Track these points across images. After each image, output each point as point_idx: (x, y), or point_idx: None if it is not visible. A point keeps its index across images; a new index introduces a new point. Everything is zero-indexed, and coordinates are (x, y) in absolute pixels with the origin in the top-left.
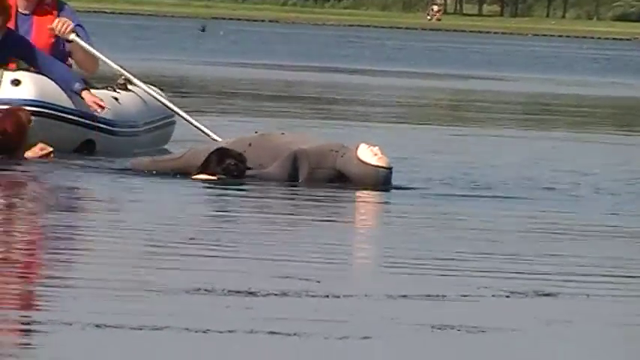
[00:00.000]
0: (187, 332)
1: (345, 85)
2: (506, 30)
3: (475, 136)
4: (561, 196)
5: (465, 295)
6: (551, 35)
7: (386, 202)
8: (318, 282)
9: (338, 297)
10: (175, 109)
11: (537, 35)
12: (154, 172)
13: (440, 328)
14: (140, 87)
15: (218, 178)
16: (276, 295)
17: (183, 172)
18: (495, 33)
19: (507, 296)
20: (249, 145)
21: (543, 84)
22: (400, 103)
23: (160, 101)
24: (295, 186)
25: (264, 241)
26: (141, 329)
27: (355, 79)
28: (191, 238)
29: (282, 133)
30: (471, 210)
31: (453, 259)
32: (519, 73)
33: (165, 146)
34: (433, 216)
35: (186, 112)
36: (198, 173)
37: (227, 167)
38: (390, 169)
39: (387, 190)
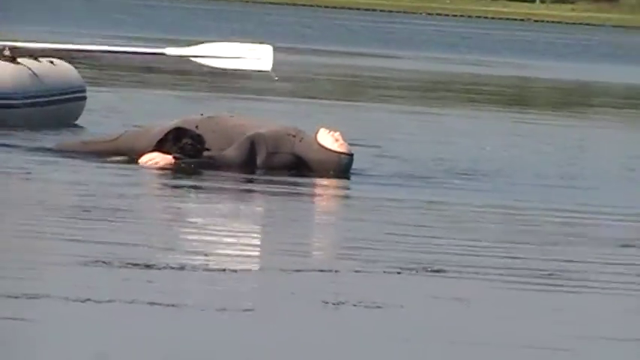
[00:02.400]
0: (83, 303)
1: None
2: (400, 9)
3: (371, 111)
4: (461, 179)
5: (357, 271)
6: (445, 15)
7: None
8: (218, 257)
9: (235, 271)
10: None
11: (431, 14)
12: (84, 152)
13: (331, 303)
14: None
15: (174, 158)
16: (173, 268)
17: (118, 154)
18: (390, 12)
19: (398, 272)
20: (196, 127)
21: (435, 63)
22: (293, 77)
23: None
24: (251, 172)
25: (170, 217)
26: (39, 298)
27: None
28: (88, 211)
29: (231, 116)
30: (373, 188)
31: (350, 238)
32: (412, 52)
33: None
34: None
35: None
36: (148, 153)
37: (183, 147)
38: (351, 155)
39: (347, 177)
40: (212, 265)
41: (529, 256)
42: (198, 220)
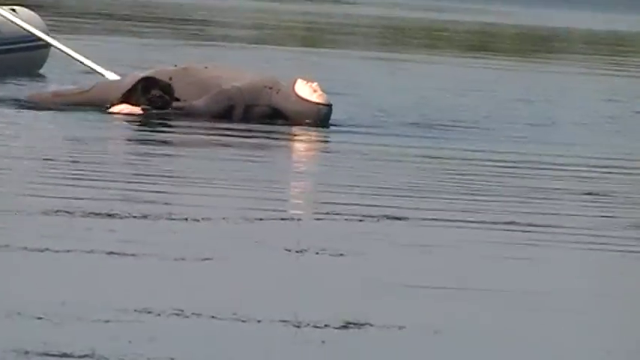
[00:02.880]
0: (42, 253)
1: (200, 6)
2: None
3: (335, 58)
4: (434, 129)
5: (319, 219)
6: None
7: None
8: (181, 207)
9: (197, 220)
10: (52, 42)
11: None
12: (55, 104)
13: (294, 251)
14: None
15: (142, 110)
16: (135, 217)
17: (90, 106)
18: None
19: (360, 220)
20: (170, 78)
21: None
22: (255, 25)
23: (24, 28)
24: (227, 123)
25: (135, 169)
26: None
27: (209, 2)
28: (51, 160)
29: (206, 67)
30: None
31: (317, 187)
32: None
33: (41, 71)
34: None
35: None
36: (118, 104)
37: (152, 98)
38: (329, 105)
39: (326, 127)
40: (174, 216)
41: (494, 207)
42: (163, 170)
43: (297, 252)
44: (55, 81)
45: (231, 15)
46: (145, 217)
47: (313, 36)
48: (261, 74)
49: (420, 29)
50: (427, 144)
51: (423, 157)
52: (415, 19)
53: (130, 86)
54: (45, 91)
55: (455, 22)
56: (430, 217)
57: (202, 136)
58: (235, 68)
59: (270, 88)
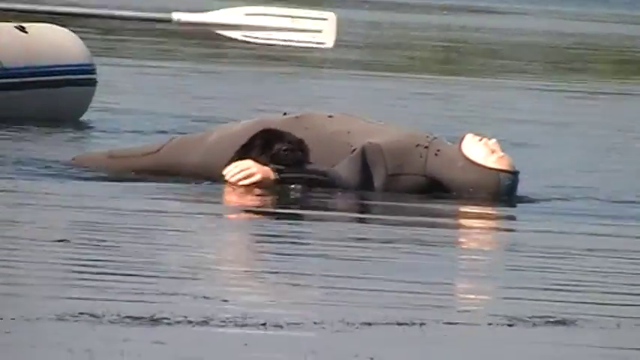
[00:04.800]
0: None
1: None
2: None
3: (488, 90)
4: None
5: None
6: None
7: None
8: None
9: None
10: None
11: None
12: (112, 170)
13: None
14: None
15: (273, 170)
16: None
17: (161, 173)
18: None
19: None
20: None
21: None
22: (367, 44)
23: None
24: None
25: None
26: None
27: None
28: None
29: (330, 116)
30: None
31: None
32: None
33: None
34: None
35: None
36: (231, 161)
37: (277, 154)
38: (515, 174)
39: (510, 204)
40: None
41: None
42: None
43: None
44: (109, 135)
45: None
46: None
47: (449, 58)
48: (409, 128)
49: (603, 48)
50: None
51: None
52: (596, 35)
53: (242, 141)
54: (97, 151)
55: None
56: None
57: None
58: (370, 120)
59: (426, 147)
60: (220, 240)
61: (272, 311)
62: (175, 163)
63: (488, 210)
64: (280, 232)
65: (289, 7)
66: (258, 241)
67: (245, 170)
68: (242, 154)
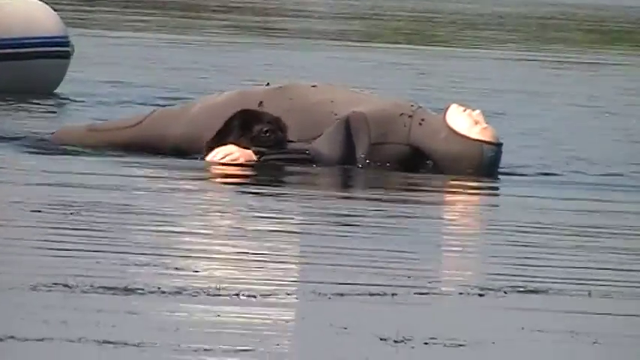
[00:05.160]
0: None
1: None
2: None
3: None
4: None
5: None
6: None
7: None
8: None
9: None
10: None
11: None
12: (92, 144)
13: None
14: None
15: (257, 155)
16: None
17: (142, 146)
18: None
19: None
20: (260, 103)
21: None
22: (341, 15)
23: None
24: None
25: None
26: None
27: None
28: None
29: (313, 86)
30: None
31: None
32: None
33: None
34: None
35: None
36: (210, 147)
37: (258, 136)
38: (499, 145)
39: (493, 176)
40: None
41: None
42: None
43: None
44: (83, 109)
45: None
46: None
47: (419, 29)
48: (393, 97)
49: (578, 19)
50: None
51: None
52: (572, 5)
53: (219, 123)
54: (76, 125)
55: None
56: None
57: (321, 202)
58: (354, 90)
59: (410, 116)
60: (196, 214)
61: (245, 283)
62: (157, 136)
63: (470, 183)
64: (257, 208)
65: None
66: (233, 216)
67: (228, 155)
68: (220, 136)
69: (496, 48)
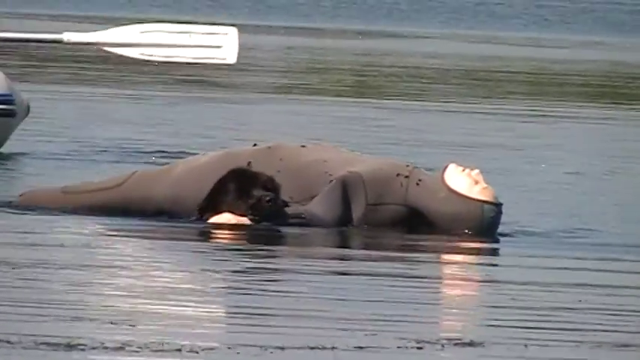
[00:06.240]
0: None
1: None
2: None
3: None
4: None
5: None
6: None
7: None
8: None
9: None
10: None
11: None
12: (67, 207)
13: None
14: None
15: (251, 221)
16: None
17: (123, 208)
18: None
19: None
20: (248, 164)
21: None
22: (290, 68)
23: None
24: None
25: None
26: None
27: None
28: None
29: (303, 146)
30: None
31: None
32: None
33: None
34: None
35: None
36: (202, 209)
37: (259, 203)
38: (499, 205)
39: (493, 238)
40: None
41: None
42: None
43: None
44: (37, 163)
45: (252, 54)
46: None
47: (367, 82)
48: (387, 157)
49: (516, 71)
50: None
51: None
52: (508, 57)
53: (211, 185)
54: (47, 187)
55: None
56: None
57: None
58: (345, 150)
59: (406, 177)
60: (140, 269)
61: (188, 337)
62: (140, 198)
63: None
64: (206, 262)
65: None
66: (179, 270)
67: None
68: (215, 197)
69: (439, 100)
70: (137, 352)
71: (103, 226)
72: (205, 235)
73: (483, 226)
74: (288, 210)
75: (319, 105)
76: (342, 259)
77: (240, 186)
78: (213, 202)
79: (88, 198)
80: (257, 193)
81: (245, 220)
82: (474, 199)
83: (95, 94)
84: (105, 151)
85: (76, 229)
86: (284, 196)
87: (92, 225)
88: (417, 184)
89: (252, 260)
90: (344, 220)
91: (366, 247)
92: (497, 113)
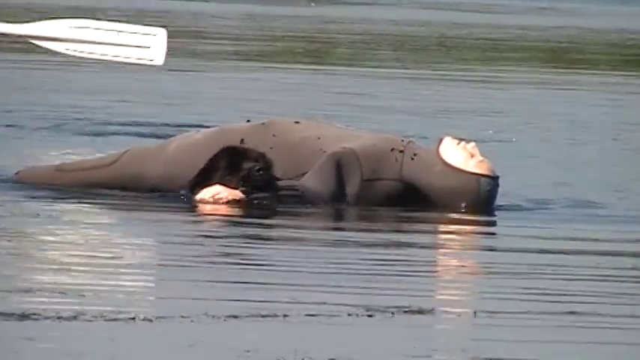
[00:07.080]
0: None
1: (165, 10)
2: None
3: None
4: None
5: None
6: None
7: None
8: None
9: None
10: None
11: None
12: (61, 185)
13: None
14: None
15: (243, 193)
16: None
17: (115, 187)
18: None
19: None
20: (242, 140)
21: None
22: (244, 36)
23: None
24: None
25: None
26: None
27: (175, 5)
28: None
29: (297, 122)
30: None
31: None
32: None
33: None
34: None
35: None
36: (194, 185)
37: (249, 175)
38: (495, 178)
39: (490, 212)
40: None
41: None
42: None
43: None
44: (49, 146)
45: (207, 23)
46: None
47: (322, 49)
48: (381, 132)
49: (472, 37)
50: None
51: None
52: (467, 24)
53: (203, 161)
54: (42, 165)
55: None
56: None
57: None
58: (339, 126)
59: (401, 151)
60: (95, 236)
61: (142, 307)
62: (134, 175)
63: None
64: (169, 231)
65: (120, 23)
66: (135, 238)
67: (215, 195)
68: (204, 174)
69: (383, 67)
70: (91, 321)
71: (73, 202)
72: (161, 208)
73: (480, 199)
74: (281, 183)
75: (270, 72)
76: (299, 227)
77: (232, 162)
78: (204, 179)
79: (82, 176)
80: (248, 165)
81: (237, 193)
82: (470, 173)
83: (45, 61)
84: (57, 120)
85: (46, 203)
86: (277, 172)
87: (61, 201)
88: (412, 158)
89: (208, 230)
90: (338, 195)
91: (335, 218)
92: (455, 79)
